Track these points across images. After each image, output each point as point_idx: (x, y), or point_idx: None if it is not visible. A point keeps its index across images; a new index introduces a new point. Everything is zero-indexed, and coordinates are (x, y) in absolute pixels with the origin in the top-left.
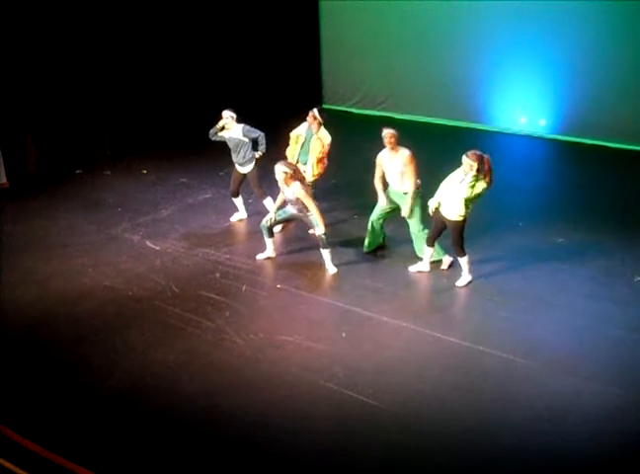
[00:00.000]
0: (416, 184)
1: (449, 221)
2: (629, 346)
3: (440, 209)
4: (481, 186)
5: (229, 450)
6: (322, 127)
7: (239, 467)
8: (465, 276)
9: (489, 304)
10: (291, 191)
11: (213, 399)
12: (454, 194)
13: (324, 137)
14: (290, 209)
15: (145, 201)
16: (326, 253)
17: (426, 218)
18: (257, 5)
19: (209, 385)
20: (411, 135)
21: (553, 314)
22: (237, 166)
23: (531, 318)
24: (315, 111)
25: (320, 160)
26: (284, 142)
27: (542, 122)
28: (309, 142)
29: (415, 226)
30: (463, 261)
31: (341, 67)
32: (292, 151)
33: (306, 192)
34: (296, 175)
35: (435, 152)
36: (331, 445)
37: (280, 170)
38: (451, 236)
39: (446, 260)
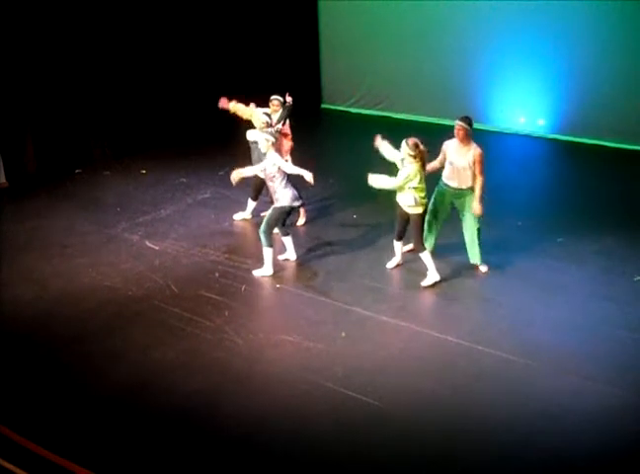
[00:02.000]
0: (481, 191)
1: (411, 215)
2: (629, 345)
3: (398, 201)
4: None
5: (229, 450)
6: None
7: (238, 467)
8: (432, 276)
9: (488, 304)
10: (272, 161)
11: (213, 398)
12: (403, 192)
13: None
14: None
15: (144, 201)
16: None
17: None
18: (256, 4)
19: (209, 385)
20: (410, 135)
21: (552, 314)
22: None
23: (530, 317)
24: (279, 97)
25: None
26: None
27: (541, 122)
28: None
29: (471, 229)
30: (426, 257)
31: (340, 67)
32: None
33: (282, 161)
34: (275, 145)
35: (433, 152)
36: (330, 445)
37: (263, 137)
38: (413, 232)
39: (483, 268)
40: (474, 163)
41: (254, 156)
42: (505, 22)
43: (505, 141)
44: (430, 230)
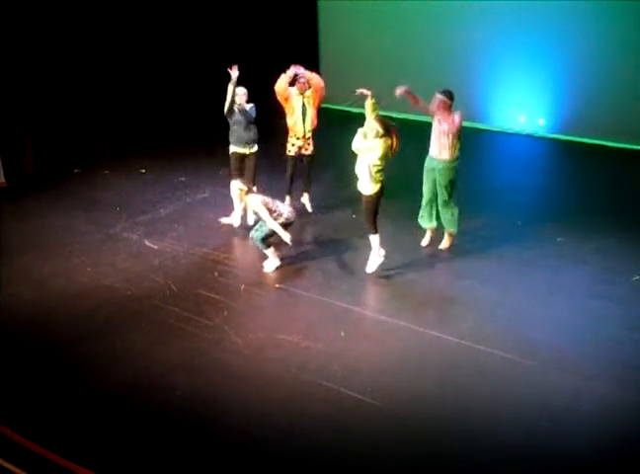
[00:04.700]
0: (454, 154)
1: (363, 196)
2: (629, 345)
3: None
4: (381, 146)
5: (228, 449)
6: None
7: (237, 466)
8: (374, 259)
9: (488, 303)
10: (251, 205)
11: (212, 398)
12: (360, 163)
13: (315, 89)
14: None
15: (144, 201)
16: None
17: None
18: (256, 4)
19: (208, 384)
20: (410, 135)
21: (552, 313)
22: (240, 147)
23: (530, 317)
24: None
25: (317, 106)
26: (281, 139)
27: (541, 122)
28: (305, 105)
29: (441, 197)
30: (374, 239)
31: (339, 66)
32: (293, 123)
33: (262, 203)
34: (250, 191)
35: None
36: (329, 444)
37: (235, 187)
38: (363, 211)
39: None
40: (451, 131)
41: (232, 138)
42: (505, 22)
43: (505, 141)
44: (426, 209)
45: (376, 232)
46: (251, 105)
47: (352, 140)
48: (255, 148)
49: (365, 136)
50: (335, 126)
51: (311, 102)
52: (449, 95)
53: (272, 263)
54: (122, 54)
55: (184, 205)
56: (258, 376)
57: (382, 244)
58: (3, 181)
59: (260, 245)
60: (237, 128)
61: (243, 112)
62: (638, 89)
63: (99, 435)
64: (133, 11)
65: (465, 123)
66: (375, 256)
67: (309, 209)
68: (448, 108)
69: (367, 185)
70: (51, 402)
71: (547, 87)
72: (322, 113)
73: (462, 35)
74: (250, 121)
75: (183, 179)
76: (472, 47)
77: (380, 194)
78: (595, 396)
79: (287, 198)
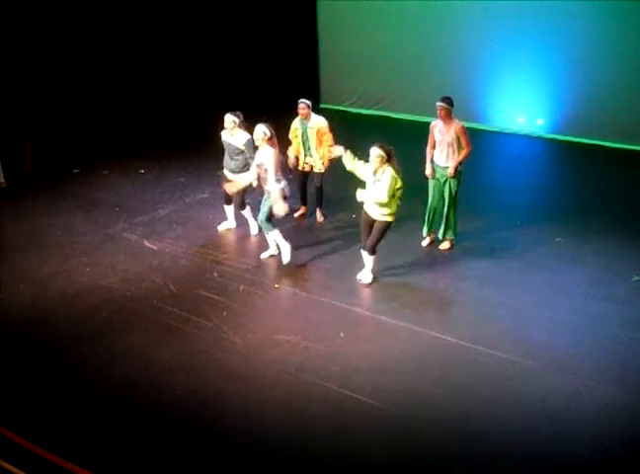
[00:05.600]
0: (462, 159)
1: (379, 222)
2: (628, 345)
3: (366, 209)
4: (393, 170)
5: (227, 449)
6: (313, 115)
7: (236, 466)
8: (368, 274)
9: (487, 304)
10: (263, 153)
11: (211, 398)
12: (375, 194)
13: (318, 124)
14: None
15: (143, 201)
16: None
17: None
18: (255, 5)
19: (207, 384)
20: (409, 135)
21: (552, 313)
22: (228, 172)
23: (530, 317)
24: (306, 101)
25: (320, 145)
26: (281, 140)
27: (540, 122)
28: (306, 134)
29: (446, 203)
30: (372, 259)
31: (338, 67)
32: (296, 146)
33: (275, 157)
34: (272, 141)
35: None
36: (328, 445)
37: (260, 130)
38: (372, 234)
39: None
40: (458, 136)
41: (226, 158)
42: (504, 22)
43: (504, 141)
44: (430, 215)
45: (375, 253)
46: (247, 137)
47: (351, 140)
48: (242, 175)
49: (375, 173)
50: (334, 126)
51: (315, 138)
52: (449, 101)
53: (285, 250)
54: (123, 55)
55: (183, 206)
56: (257, 376)
57: (383, 244)
58: (3, 181)
59: (267, 228)
60: (225, 154)
61: (226, 143)
62: (637, 89)
63: (98, 436)
64: (133, 12)
65: (465, 123)
66: (369, 272)
67: (319, 219)
68: (449, 114)
69: (387, 211)
70: (51, 402)
71: (546, 87)
72: (321, 113)
73: (462, 35)
74: (235, 153)
75: (182, 179)
76: (471, 48)
77: (393, 219)
78: (594, 396)
79: (302, 209)
